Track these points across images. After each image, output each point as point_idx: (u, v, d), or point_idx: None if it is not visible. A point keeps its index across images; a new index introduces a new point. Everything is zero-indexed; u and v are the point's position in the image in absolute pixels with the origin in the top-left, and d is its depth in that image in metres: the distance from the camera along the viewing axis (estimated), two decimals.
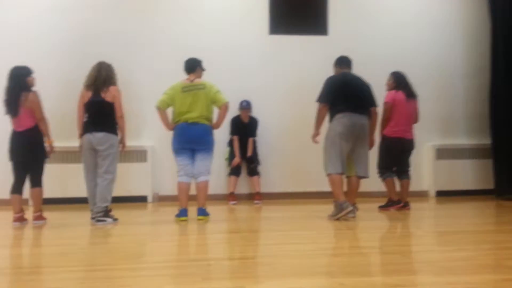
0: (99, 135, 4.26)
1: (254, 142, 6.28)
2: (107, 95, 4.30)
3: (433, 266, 2.52)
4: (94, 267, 2.65)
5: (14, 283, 2.37)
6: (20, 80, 4.28)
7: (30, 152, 4.27)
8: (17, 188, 4.30)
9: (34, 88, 4.37)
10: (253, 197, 6.17)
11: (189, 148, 4.43)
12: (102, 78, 4.33)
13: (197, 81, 4.49)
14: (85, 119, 4.39)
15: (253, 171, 6.19)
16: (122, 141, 4.46)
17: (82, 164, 4.43)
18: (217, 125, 4.58)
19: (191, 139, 4.39)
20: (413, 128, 5.27)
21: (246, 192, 6.47)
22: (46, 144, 4.38)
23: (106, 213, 4.29)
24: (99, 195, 4.25)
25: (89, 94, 4.34)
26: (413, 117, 5.27)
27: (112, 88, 4.34)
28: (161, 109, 4.47)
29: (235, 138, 6.16)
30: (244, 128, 6.23)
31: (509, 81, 6.45)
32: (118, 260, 2.82)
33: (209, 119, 4.49)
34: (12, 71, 4.31)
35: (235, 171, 6.15)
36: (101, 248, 3.27)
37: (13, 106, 4.23)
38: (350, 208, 4.18)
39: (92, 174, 4.34)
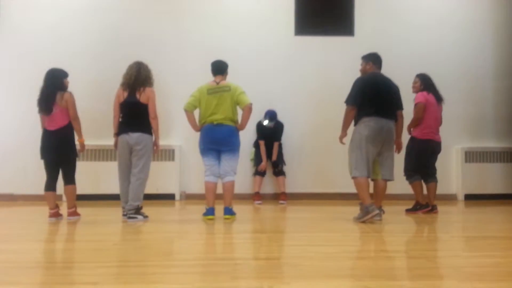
0: (135, 135, 4.39)
1: (279, 146, 6.32)
2: (142, 96, 4.41)
3: (459, 272, 2.52)
4: (127, 263, 2.77)
5: (51, 277, 2.49)
6: (56, 80, 4.47)
7: (63, 150, 4.43)
8: (50, 185, 4.48)
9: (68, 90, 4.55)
10: (278, 197, 6.24)
11: (215, 148, 4.52)
12: (141, 78, 4.44)
13: (223, 83, 4.57)
14: (120, 119, 4.52)
15: (278, 171, 6.25)
16: (155, 142, 4.57)
17: (117, 162, 4.58)
18: (242, 127, 4.65)
19: (216, 140, 4.49)
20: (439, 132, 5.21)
21: (271, 192, 6.55)
22: (77, 142, 4.54)
23: (138, 210, 4.44)
24: (132, 193, 4.39)
25: (125, 94, 4.44)
26: (440, 121, 5.21)
27: (148, 90, 4.44)
28: (189, 112, 4.58)
29: (261, 142, 6.22)
30: (269, 132, 6.27)
31: None
32: (150, 256, 2.93)
33: (234, 120, 4.57)
34: (49, 72, 4.50)
35: (260, 171, 6.23)
36: (133, 244, 3.39)
37: (48, 104, 4.39)
38: (376, 211, 4.19)
39: (126, 173, 4.49)
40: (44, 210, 4.54)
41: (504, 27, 6.95)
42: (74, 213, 4.54)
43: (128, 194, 4.44)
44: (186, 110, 4.57)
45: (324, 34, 6.81)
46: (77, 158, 4.59)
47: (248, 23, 6.76)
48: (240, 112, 4.62)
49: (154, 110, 4.47)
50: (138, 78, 4.43)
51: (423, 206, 5.05)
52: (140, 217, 4.44)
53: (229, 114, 4.50)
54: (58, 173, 4.51)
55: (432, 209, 5.05)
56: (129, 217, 4.39)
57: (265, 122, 6.18)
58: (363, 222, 4.22)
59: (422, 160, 5.08)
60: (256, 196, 6.17)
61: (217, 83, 4.57)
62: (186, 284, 2.28)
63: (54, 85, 4.44)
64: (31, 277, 2.45)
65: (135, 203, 4.41)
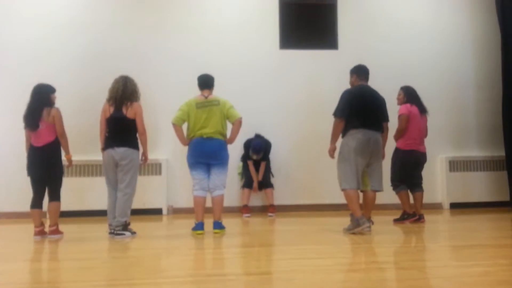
0: (121, 150, 4.34)
1: (267, 163, 6.32)
2: (129, 111, 4.37)
3: (451, 281, 2.54)
4: (117, 282, 2.71)
5: None
6: (43, 96, 4.41)
7: (49, 166, 4.37)
8: (37, 203, 4.40)
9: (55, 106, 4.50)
10: (267, 209, 6.23)
11: (205, 162, 4.51)
12: (127, 93, 4.39)
13: (211, 97, 4.58)
14: (106, 134, 4.46)
15: (267, 184, 6.25)
16: (144, 154, 4.53)
17: (104, 178, 4.52)
18: (231, 140, 4.67)
19: (206, 153, 4.47)
20: (424, 142, 5.30)
21: (260, 204, 6.54)
22: (64, 159, 4.48)
23: (125, 226, 4.38)
24: (119, 209, 4.33)
25: (111, 109, 4.39)
26: (425, 132, 5.30)
27: (135, 104, 4.41)
28: (177, 126, 4.55)
29: (250, 163, 6.22)
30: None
31: None
32: (140, 274, 2.88)
33: (223, 134, 4.57)
34: (36, 87, 4.45)
35: (248, 184, 6.22)
36: (121, 262, 3.33)
37: (34, 120, 4.33)
38: (367, 224, 4.22)
39: (113, 188, 4.43)
40: (28, 228, 4.44)
41: (483, 38, 7.14)
42: (56, 231, 4.44)
43: (115, 210, 4.37)
44: (174, 124, 4.55)
45: (309, 48, 6.90)
46: (65, 175, 4.53)
47: (233, 37, 6.80)
48: (229, 126, 4.63)
49: (142, 125, 4.43)
50: (124, 92, 4.38)
51: (410, 216, 5.11)
52: (127, 233, 4.37)
53: (218, 128, 4.50)
54: (45, 190, 4.44)
55: (419, 219, 5.11)
56: (116, 234, 4.32)
57: (254, 157, 6.15)
58: (353, 233, 4.24)
59: (407, 170, 5.16)
60: (245, 209, 6.15)
61: (206, 97, 4.57)
62: None
63: (41, 101, 4.39)
64: None
65: (122, 219, 4.34)
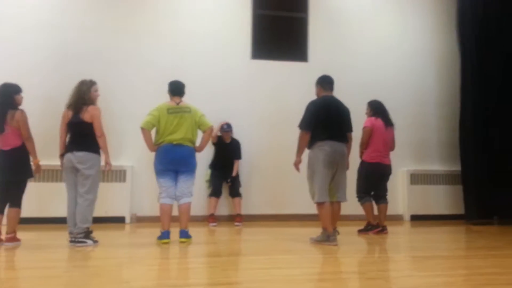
0: (80, 154, 4.21)
1: (236, 175, 6.34)
2: (85, 115, 4.26)
3: None
4: None
5: None
6: (6, 98, 4.22)
7: (15, 171, 4.19)
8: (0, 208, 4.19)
9: (21, 107, 4.32)
10: (234, 218, 6.19)
11: (173, 169, 4.44)
12: (82, 97, 4.29)
13: (183, 104, 4.54)
14: (68, 139, 4.35)
15: (235, 193, 6.22)
16: (106, 161, 4.40)
17: (64, 183, 4.36)
18: (201, 148, 4.64)
19: (175, 160, 4.41)
20: (390, 155, 5.45)
21: (226, 213, 6.49)
22: (32, 164, 4.30)
23: (87, 234, 4.22)
24: (79, 215, 4.17)
25: (69, 114, 4.30)
26: (390, 144, 5.45)
27: (90, 108, 4.28)
28: (146, 130, 4.46)
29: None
30: (226, 148, 6.30)
31: (475, 111, 6.79)
32: (105, 284, 2.78)
33: (193, 141, 4.54)
34: (1, 87, 4.25)
35: (215, 193, 6.17)
36: (83, 271, 3.20)
37: None
38: (336, 242, 4.27)
39: (73, 193, 4.28)
40: None
41: (444, 58, 7.47)
42: (13, 239, 4.21)
43: (76, 217, 4.20)
44: (143, 128, 4.46)
45: (280, 59, 6.97)
46: (31, 179, 4.35)
47: (205, 45, 6.77)
48: (199, 134, 4.60)
49: (100, 127, 4.29)
50: (79, 97, 4.30)
51: (374, 227, 5.22)
52: (89, 241, 4.21)
53: (188, 135, 4.46)
54: (8, 196, 4.22)
55: (383, 230, 5.23)
56: (78, 241, 4.16)
57: (223, 135, 6.31)
58: (319, 243, 4.29)
59: (371, 182, 5.28)
60: (211, 218, 6.09)
61: (177, 104, 4.52)
62: None
63: (5, 103, 4.20)
64: None
65: (84, 225, 4.19)
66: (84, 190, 4.22)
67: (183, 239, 4.38)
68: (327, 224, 4.31)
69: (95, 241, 4.26)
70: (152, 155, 4.63)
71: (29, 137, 4.24)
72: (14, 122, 4.18)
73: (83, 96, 4.30)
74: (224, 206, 6.49)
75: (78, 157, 4.21)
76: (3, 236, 4.22)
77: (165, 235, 4.34)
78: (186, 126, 4.44)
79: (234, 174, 6.26)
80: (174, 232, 4.44)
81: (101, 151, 4.37)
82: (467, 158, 6.80)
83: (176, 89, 4.61)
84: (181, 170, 4.46)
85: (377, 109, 5.41)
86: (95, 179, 4.29)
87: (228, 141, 6.37)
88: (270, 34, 7.03)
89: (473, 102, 6.83)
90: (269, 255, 3.84)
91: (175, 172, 4.46)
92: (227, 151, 6.30)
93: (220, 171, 6.24)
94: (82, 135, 4.27)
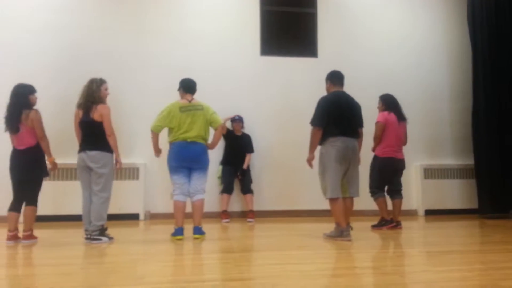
0: (92, 153, 4.26)
1: (248, 169, 6.36)
2: (95, 115, 4.29)
3: (432, 286, 2.59)
4: None
5: None
6: (23, 97, 4.28)
7: (30, 170, 4.25)
8: (15, 206, 4.28)
9: (35, 107, 4.38)
10: (246, 215, 6.20)
11: (186, 166, 4.47)
12: (91, 96, 4.33)
13: (195, 101, 4.56)
14: (80, 138, 4.41)
15: (246, 189, 6.23)
16: (116, 159, 4.44)
17: (79, 182, 4.43)
18: (213, 145, 4.66)
19: (189, 158, 4.44)
20: (403, 149, 5.39)
21: (239, 210, 6.51)
22: (47, 162, 4.36)
23: (102, 231, 4.28)
24: (94, 213, 4.23)
25: (80, 114, 4.35)
26: (403, 139, 5.40)
27: (99, 107, 4.31)
28: (155, 133, 4.54)
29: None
30: (237, 141, 6.29)
31: (488, 105, 6.72)
32: (121, 280, 2.81)
33: (205, 139, 4.57)
34: (14, 88, 4.32)
35: (227, 189, 6.19)
36: (100, 268, 3.24)
37: (13, 123, 4.21)
38: (350, 237, 4.25)
39: (87, 191, 4.34)
40: (2, 233, 4.25)
41: (456, 52, 7.39)
42: (30, 237, 4.29)
43: (91, 215, 4.27)
44: (152, 131, 4.53)
45: (289, 55, 6.96)
46: (47, 178, 4.41)
47: (214, 43, 6.78)
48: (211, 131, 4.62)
49: (109, 126, 4.33)
50: (88, 96, 4.33)
51: (388, 222, 5.19)
52: (104, 238, 4.27)
53: (201, 132, 4.48)
54: (23, 194, 4.29)
55: (397, 225, 5.20)
56: (93, 239, 4.22)
57: (234, 127, 6.38)
58: (333, 239, 4.28)
59: (384, 177, 5.24)
60: (224, 215, 6.11)
61: (189, 101, 4.54)
62: None
63: (19, 103, 4.26)
64: None
65: (99, 222, 4.25)
66: (98, 188, 4.27)
67: (196, 236, 4.41)
68: (340, 219, 4.29)
69: (110, 238, 4.32)
70: (165, 153, 4.66)
71: (44, 136, 4.30)
72: (29, 122, 4.24)
73: (93, 95, 4.33)
74: (236, 202, 6.51)
75: (91, 156, 4.26)
76: (20, 234, 4.29)
77: (179, 232, 4.37)
78: (199, 124, 4.47)
79: (245, 166, 6.25)
80: (188, 229, 4.47)
81: None
82: (480, 152, 6.72)
83: (188, 86, 4.63)
84: (195, 167, 4.48)
85: (389, 103, 5.36)
86: (108, 177, 4.34)
87: (239, 133, 6.38)
88: (279, 30, 7.01)
89: (486, 95, 6.75)
90: (283, 251, 3.84)
91: (189, 169, 4.49)
92: (238, 145, 6.31)
93: (232, 165, 6.24)
94: (93, 134, 4.31)
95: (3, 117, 4.30)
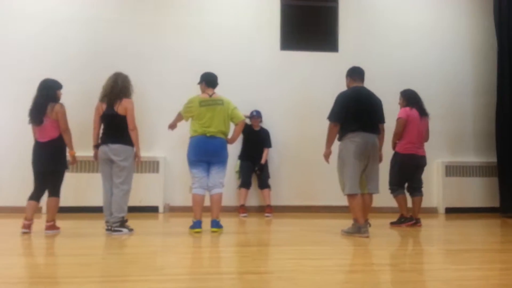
0: (115, 147, 4.33)
1: (265, 164, 6.35)
2: (120, 108, 4.35)
3: (450, 285, 2.55)
4: (117, 278, 2.69)
5: None
6: (50, 91, 4.38)
7: (52, 162, 4.35)
8: (35, 196, 4.38)
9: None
10: (264, 209, 6.22)
11: (206, 160, 4.51)
12: (117, 90, 4.38)
13: (215, 96, 4.58)
14: (101, 131, 4.48)
15: (263, 184, 6.24)
16: (136, 154, 4.51)
17: (100, 174, 4.51)
18: (232, 140, 4.68)
19: (208, 152, 4.48)
20: (424, 146, 5.31)
21: (256, 204, 6.53)
22: (68, 155, 4.45)
23: (123, 223, 4.36)
24: (115, 205, 4.31)
25: (103, 107, 4.40)
26: (424, 135, 5.32)
27: (125, 101, 4.37)
28: (181, 116, 4.73)
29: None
30: (255, 136, 6.29)
31: None
32: (140, 271, 2.86)
33: (225, 133, 4.59)
34: (43, 82, 4.42)
35: (245, 184, 6.21)
36: (119, 258, 3.31)
37: (38, 115, 4.31)
38: (367, 234, 4.23)
39: (108, 184, 4.42)
40: (20, 224, 4.36)
41: (481, 46, 7.21)
42: (53, 227, 4.39)
43: (111, 206, 4.36)
44: (180, 114, 4.72)
45: (309, 50, 6.91)
46: (66, 170, 4.48)
47: (234, 37, 6.79)
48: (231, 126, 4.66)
49: (133, 121, 4.39)
50: (114, 89, 4.38)
51: (407, 219, 5.13)
52: (125, 230, 4.35)
53: (221, 127, 4.51)
54: (45, 185, 4.39)
55: (416, 223, 5.14)
56: (114, 230, 4.31)
57: (253, 123, 6.37)
58: (350, 235, 4.26)
59: (405, 174, 5.18)
60: (241, 209, 6.14)
61: (210, 96, 4.57)
62: None
63: (47, 96, 4.36)
64: None
65: (120, 214, 4.33)
66: (119, 181, 4.35)
67: (214, 229, 4.45)
68: (358, 215, 4.26)
69: (131, 230, 4.40)
70: (184, 147, 4.71)
71: (67, 129, 4.39)
72: (54, 114, 4.33)
73: (119, 88, 4.38)
74: (254, 197, 6.53)
75: (113, 149, 4.33)
76: (40, 224, 4.40)
77: (197, 225, 4.42)
78: (219, 118, 4.49)
79: (263, 161, 6.25)
80: (206, 222, 4.52)
81: None
82: (504, 150, 6.57)
83: (209, 80, 4.65)
84: (214, 162, 4.52)
85: (411, 98, 5.28)
86: (130, 170, 4.42)
87: (257, 128, 6.38)
88: (299, 24, 6.97)
89: (511, 90, 6.57)
90: (300, 246, 3.85)
91: (208, 163, 4.53)
92: (256, 139, 6.31)
93: (250, 160, 6.25)
94: (116, 127, 4.38)
95: (29, 109, 4.39)
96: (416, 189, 5.22)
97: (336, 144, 4.49)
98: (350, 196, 4.30)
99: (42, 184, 4.39)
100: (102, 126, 4.48)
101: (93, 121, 4.50)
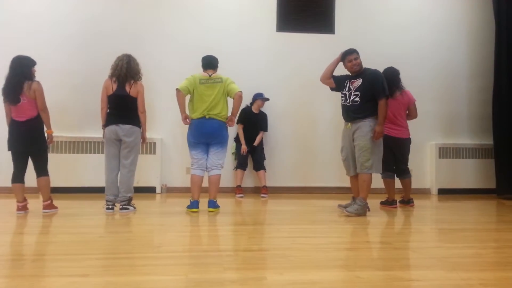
0: (126, 127, 4.38)
1: (261, 145, 6.37)
2: (132, 90, 4.39)
3: (445, 262, 2.61)
4: (116, 255, 2.73)
5: (39, 269, 2.43)
6: (25, 69, 4.25)
7: (33, 141, 4.26)
8: (18, 177, 4.30)
9: (49, 80, 4.44)
10: (260, 190, 6.27)
11: (204, 142, 4.53)
12: (132, 72, 4.41)
13: (215, 75, 4.58)
14: (108, 111, 4.45)
15: (259, 166, 6.28)
16: (142, 135, 4.57)
17: (104, 153, 4.55)
18: (233, 115, 4.62)
19: (206, 134, 4.50)
20: (403, 126, 5.05)
21: (252, 185, 6.58)
22: (46, 134, 4.39)
23: (129, 201, 4.48)
24: (124, 185, 4.41)
25: (114, 86, 4.38)
26: (402, 114, 5.03)
27: (138, 84, 4.45)
28: (181, 92, 4.44)
29: (240, 126, 6.23)
30: (254, 118, 6.29)
31: (511, 83, 6.54)
32: (138, 248, 2.90)
33: (223, 115, 4.55)
34: (16, 59, 4.27)
35: (241, 165, 6.25)
36: (119, 236, 3.34)
37: (14, 94, 4.19)
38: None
39: (113, 164, 4.46)
40: (12, 202, 4.38)
41: (478, 29, 7.18)
42: (50, 206, 4.41)
43: (115, 186, 4.44)
44: (178, 90, 4.45)
45: (306, 31, 6.86)
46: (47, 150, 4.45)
47: (230, 19, 6.73)
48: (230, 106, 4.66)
49: (143, 104, 4.49)
50: (128, 71, 4.39)
51: (388, 202, 5.10)
52: (131, 208, 4.48)
53: (219, 107, 4.51)
54: (26, 164, 4.35)
55: (408, 202, 5.19)
56: (122, 208, 4.42)
57: (259, 103, 6.32)
58: (357, 215, 4.31)
59: (384, 155, 4.99)
60: (238, 190, 6.19)
61: (210, 75, 4.57)
62: (179, 276, 2.27)
63: (23, 74, 4.22)
64: (17, 270, 2.38)
65: (128, 194, 4.44)
66: (128, 161, 4.42)
67: (211, 209, 4.50)
68: (368, 194, 4.45)
69: (135, 208, 4.53)
70: (181, 129, 4.73)
71: (45, 108, 4.31)
72: (32, 93, 4.22)
73: (133, 71, 4.41)
74: (250, 178, 6.58)
75: (124, 129, 4.37)
76: (39, 205, 4.42)
77: (194, 205, 4.46)
78: (218, 98, 4.47)
79: (256, 143, 6.25)
80: (203, 202, 4.56)
81: None
82: (501, 132, 6.60)
83: (209, 63, 4.64)
84: (212, 143, 4.56)
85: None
86: (137, 151, 4.51)
87: (256, 111, 6.37)
88: (296, 6, 6.90)
89: (508, 73, 6.59)
90: (296, 225, 3.91)
91: (206, 144, 4.56)
92: (253, 122, 6.29)
93: (246, 142, 6.25)
94: (127, 108, 4.41)
95: (1, 88, 4.27)
96: (400, 171, 5.12)
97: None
98: (370, 175, 4.44)
99: (23, 164, 4.31)
100: (109, 106, 4.46)
101: (101, 100, 4.46)
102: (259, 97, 6.29)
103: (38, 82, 4.30)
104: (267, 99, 6.35)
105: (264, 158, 6.38)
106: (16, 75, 4.21)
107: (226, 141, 4.63)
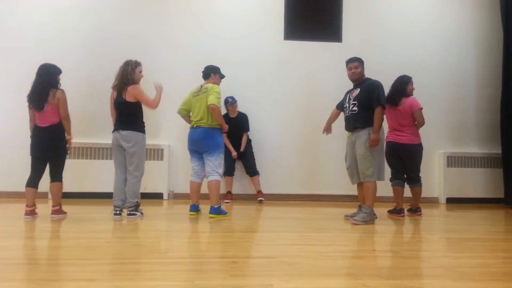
0: (125, 133, 4.42)
1: (248, 138, 6.34)
2: (127, 96, 4.43)
3: (452, 271, 2.58)
4: (123, 260, 2.74)
5: (46, 274, 2.44)
6: (51, 77, 4.39)
7: (53, 147, 4.37)
8: (33, 182, 4.38)
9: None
10: (256, 195, 6.29)
11: (195, 150, 4.67)
12: (124, 78, 4.47)
13: (205, 85, 4.67)
14: (114, 118, 4.60)
15: (252, 171, 6.28)
16: (158, 92, 4.63)
17: (112, 160, 4.65)
18: (219, 124, 4.61)
19: (194, 142, 4.65)
20: (410, 132, 5.02)
21: (250, 192, 6.59)
22: (66, 140, 4.48)
23: (137, 207, 4.50)
24: (129, 191, 4.44)
25: (114, 95, 4.53)
26: (406, 122, 5.01)
27: (130, 88, 4.43)
28: (181, 115, 4.88)
29: (224, 134, 6.20)
30: (233, 123, 6.11)
31: None
32: (145, 254, 2.91)
33: (208, 122, 4.57)
34: (43, 67, 4.41)
35: (228, 172, 6.24)
36: (126, 242, 3.35)
37: (40, 101, 4.32)
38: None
39: (119, 169, 4.51)
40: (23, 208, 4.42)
41: (486, 37, 7.17)
42: (59, 211, 4.46)
43: (123, 191, 4.48)
44: (178, 114, 4.87)
45: (313, 40, 6.89)
46: (67, 155, 4.53)
47: (237, 28, 6.78)
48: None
49: (146, 100, 4.48)
50: (122, 78, 4.47)
51: (397, 211, 5.08)
52: (138, 213, 4.50)
53: (203, 116, 4.57)
54: (43, 171, 4.44)
55: (416, 211, 5.16)
56: (129, 214, 4.45)
57: (230, 109, 6.32)
58: (356, 223, 4.31)
59: (389, 163, 5.08)
60: (227, 196, 6.25)
61: (201, 86, 4.71)
62: (186, 282, 2.27)
63: (49, 82, 4.36)
64: (25, 274, 2.40)
65: (134, 200, 4.47)
66: (132, 167, 4.46)
67: (211, 215, 4.57)
68: (374, 202, 4.45)
69: (142, 213, 4.55)
70: (187, 135, 4.80)
71: (67, 116, 4.44)
72: (55, 100, 4.35)
73: (127, 76, 4.46)
74: (245, 185, 6.58)
75: (123, 135, 4.42)
76: (48, 209, 4.46)
77: (191, 208, 4.71)
78: (203, 107, 4.56)
79: (242, 149, 6.24)
80: (206, 208, 4.61)
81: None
82: (509, 140, 6.56)
83: (203, 74, 4.81)
84: (203, 151, 4.64)
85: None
86: (140, 157, 4.50)
87: (233, 115, 6.34)
88: (303, 14, 6.94)
89: None
90: (302, 233, 3.89)
91: (199, 153, 4.68)
92: (233, 126, 6.07)
93: (233, 148, 6.23)
94: (126, 114, 4.46)
95: (28, 94, 4.38)
96: (410, 179, 5.11)
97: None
98: (374, 183, 4.44)
99: (41, 169, 4.42)
100: (115, 114, 4.58)
101: (110, 109, 4.64)
102: (227, 104, 6.29)
103: (62, 90, 4.42)
104: (235, 100, 6.32)
105: (254, 163, 6.35)
106: (43, 82, 4.33)
107: (216, 148, 4.59)
